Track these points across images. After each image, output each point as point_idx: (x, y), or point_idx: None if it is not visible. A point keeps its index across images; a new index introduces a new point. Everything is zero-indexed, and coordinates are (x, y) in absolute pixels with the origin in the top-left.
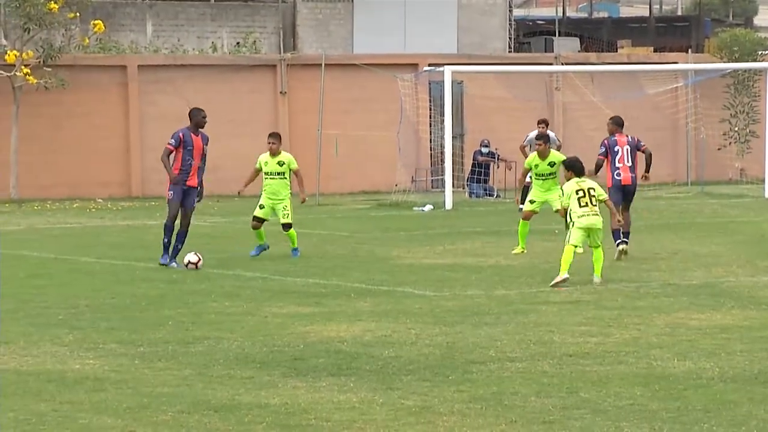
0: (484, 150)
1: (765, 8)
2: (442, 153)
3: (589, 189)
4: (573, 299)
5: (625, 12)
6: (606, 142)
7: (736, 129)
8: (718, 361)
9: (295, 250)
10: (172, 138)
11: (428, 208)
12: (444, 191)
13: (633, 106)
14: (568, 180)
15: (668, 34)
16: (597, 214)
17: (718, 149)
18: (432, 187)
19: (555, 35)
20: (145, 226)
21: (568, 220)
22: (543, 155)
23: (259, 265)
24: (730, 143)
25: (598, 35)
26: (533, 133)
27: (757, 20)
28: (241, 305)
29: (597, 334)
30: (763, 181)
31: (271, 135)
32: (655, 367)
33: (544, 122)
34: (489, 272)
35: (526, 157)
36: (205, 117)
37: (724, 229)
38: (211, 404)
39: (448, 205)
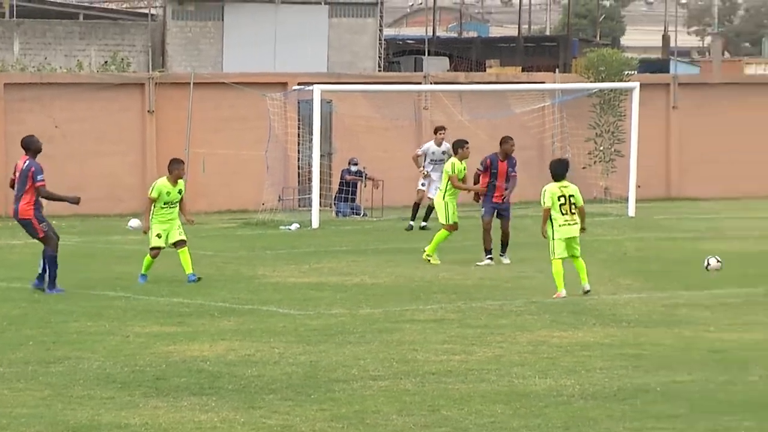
0: (353, 168)
1: (632, 28)
2: (310, 172)
3: (570, 196)
4: (437, 317)
5: (495, 32)
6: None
7: (602, 148)
8: (579, 378)
9: (191, 275)
10: (41, 173)
11: (295, 227)
12: (311, 210)
13: (501, 126)
14: None
15: (537, 53)
16: (576, 223)
17: (583, 168)
18: (299, 206)
19: (425, 54)
20: (9, 246)
21: (548, 230)
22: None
23: (122, 284)
24: (595, 162)
25: (467, 55)
26: (429, 144)
27: (624, 40)
28: (103, 325)
29: (460, 352)
30: (627, 200)
31: (176, 161)
32: (517, 384)
33: (442, 129)
34: (354, 291)
35: (419, 166)
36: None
37: (588, 247)
38: (70, 425)
39: (315, 223)
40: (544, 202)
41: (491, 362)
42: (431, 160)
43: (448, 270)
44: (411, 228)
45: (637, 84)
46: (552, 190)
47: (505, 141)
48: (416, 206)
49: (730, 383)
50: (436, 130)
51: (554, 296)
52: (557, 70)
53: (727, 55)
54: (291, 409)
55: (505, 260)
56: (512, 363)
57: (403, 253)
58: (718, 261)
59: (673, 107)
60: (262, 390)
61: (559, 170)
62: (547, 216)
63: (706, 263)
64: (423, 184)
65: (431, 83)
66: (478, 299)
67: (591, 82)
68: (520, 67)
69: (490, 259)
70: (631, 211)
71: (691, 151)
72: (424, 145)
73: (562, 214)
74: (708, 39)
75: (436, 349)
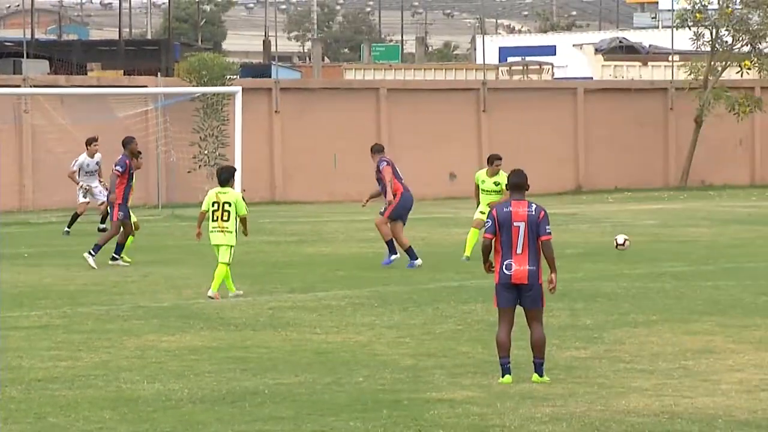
0: None
1: (233, 33)
2: None
3: (225, 203)
4: (42, 324)
5: (96, 35)
6: None
7: (206, 152)
8: (187, 382)
9: None
10: None
11: None
12: None
13: (104, 129)
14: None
15: (138, 57)
16: (223, 230)
17: (188, 172)
18: None
19: (23, 57)
20: None
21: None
22: None
23: None
24: (200, 166)
25: (68, 58)
26: (83, 156)
27: (226, 45)
28: None
29: (67, 358)
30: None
31: None
32: (125, 389)
33: (95, 140)
34: None
35: (76, 182)
36: None
37: (195, 252)
38: None
39: None
40: (202, 206)
41: (98, 368)
42: (86, 172)
43: (52, 275)
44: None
45: (239, 88)
46: (210, 195)
47: (128, 142)
48: (76, 216)
49: (336, 384)
50: (89, 142)
51: (231, 295)
52: (159, 74)
53: (327, 60)
54: None
55: (91, 261)
56: (120, 368)
57: (5, 259)
58: (626, 240)
59: (275, 111)
60: None
61: (223, 176)
62: (202, 219)
63: (618, 242)
64: (84, 197)
65: (30, 86)
66: (85, 304)
67: (193, 86)
68: (122, 71)
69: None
70: None
71: (294, 155)
72: (78, 159)
73: (213, 220)
74: (308, 44)
75: (42, 355)
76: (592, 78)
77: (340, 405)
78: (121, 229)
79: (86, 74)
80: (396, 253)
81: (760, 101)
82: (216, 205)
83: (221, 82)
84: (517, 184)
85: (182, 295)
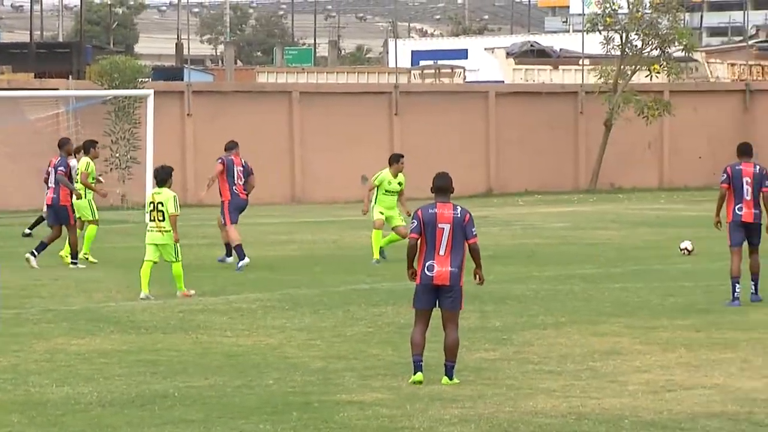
0: None
1: (145, 36)
2: None
3: (159, 203)
4: None
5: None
6: None
7: (118, 155)
8: (97, 385)
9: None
10: None
11: None
12: None
13: (15, 132)
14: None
15: (50, 60)
16: (162, 230)
17: (99, 176)
18: None
19: None
20: None
21: None
22: None
23: None
24: (112, 169)
25: None
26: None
27: (138, 48)
28: None
29: None
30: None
31: None
32: (33, 393)
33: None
34: None
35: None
36: None
37: (104, 254)
38: None
39: None
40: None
41: (7, 371)
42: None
43: None
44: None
45: (151, 91)
46: (148, 196)
47: (64, 143)
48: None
49: (246, 387)
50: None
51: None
52: (71, 76)
53: (239, 63)
54: None
55: (34, 262)
56: (29, 372)
57: None
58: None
59: (188, 114)
60: None
61: (160, 176)
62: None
63: (684, 247)
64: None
65: None
66: None
67: (105, 89)
68: (33, 74)
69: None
70: None
71: (206, 158)
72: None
73: (150, 220)
74: (221, 47)
75: None
76: (503, 81)
77: (250, 408)
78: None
79: None
80: (231, 256)
81: (668, 105)
82: (152, 205)
83: (133, 85)
84: (442, 186)
85: (93, 298)
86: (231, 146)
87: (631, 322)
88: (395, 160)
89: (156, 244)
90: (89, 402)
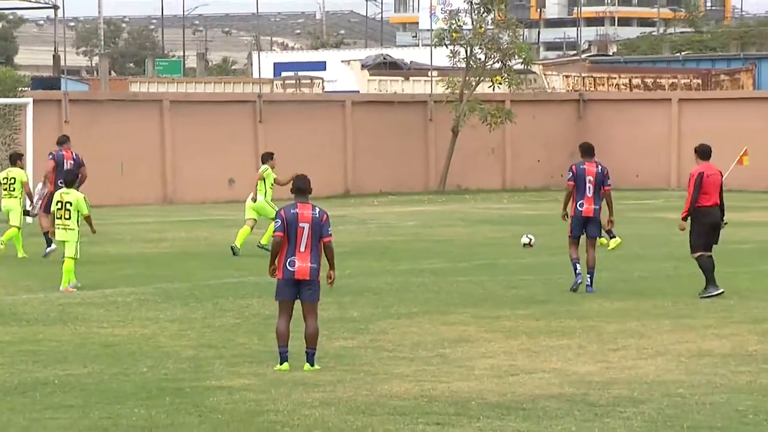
0: None
1: (25, 48)
2: None
3: (66, 203)
4: None
5: None
6: None
7: None
8: None
9: None
10: None
11: None
12: None
13: None
14: None
15: None
16: (65, 228)
17: None
18: None
19: None
20: None
21: None
22: None
23: None
24: None
25: None
26: None
27: (18, 59)
28: None
29: None
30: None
31: None
32: None
33: None
34: None
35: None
36: None
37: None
38: None
39: None
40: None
41: None
42: None
43: None
44: None
45: (30, 100)
46: (56, 195)
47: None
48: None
49: (123, 374)
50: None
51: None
52: None
53: (113, 74)
54: None
55: None
56: None
57: None
58: (528, 238)
59: (65, 122)
60: None
61: (68, 178)
62: (53, 219)
63: (525, 242)
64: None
65: None
66: None
67: None
68: None
69: None
70: None
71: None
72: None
73: (58, 218)
74: (96, 59)
75: None
76: (359, 91)
77: (126, 393)
78: None
79: None
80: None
81: (510, 113)
82: (60, 204)
83: (13, 93)
84: (301, 188)
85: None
86: (62, 140)
87: (477, 312)
88: (271, 157)
89: (61, 241)
90: None
